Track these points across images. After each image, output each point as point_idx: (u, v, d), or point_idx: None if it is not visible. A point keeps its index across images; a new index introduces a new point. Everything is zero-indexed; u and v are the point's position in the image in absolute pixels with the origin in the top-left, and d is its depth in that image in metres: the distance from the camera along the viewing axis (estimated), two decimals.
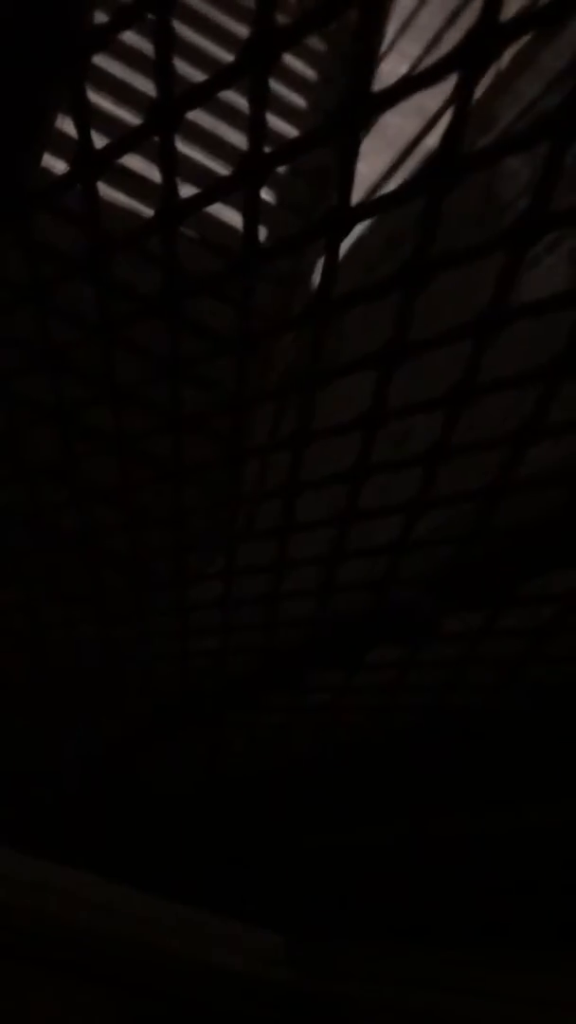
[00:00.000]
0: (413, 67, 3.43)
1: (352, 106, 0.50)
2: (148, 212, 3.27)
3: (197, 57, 3.27)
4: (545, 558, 0.91)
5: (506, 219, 2.22)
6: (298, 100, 3.55)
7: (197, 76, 3.34)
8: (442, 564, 1.05)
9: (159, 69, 0.55)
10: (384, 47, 3.66)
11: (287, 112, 3.42)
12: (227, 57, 3.35)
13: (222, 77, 0.57)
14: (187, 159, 3.27)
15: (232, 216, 3.54)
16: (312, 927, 2.31)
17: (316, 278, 3.57)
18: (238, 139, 3.46)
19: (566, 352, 0.62)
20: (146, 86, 3.23)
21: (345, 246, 3.43)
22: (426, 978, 1.95)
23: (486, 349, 0.62)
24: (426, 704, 1.52)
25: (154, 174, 3.30)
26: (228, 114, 3.28)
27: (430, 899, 1.92)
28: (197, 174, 3.32)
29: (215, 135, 3.35)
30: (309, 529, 0.97)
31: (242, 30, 3.31)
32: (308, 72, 3.56)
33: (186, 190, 3.60)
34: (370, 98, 0.51)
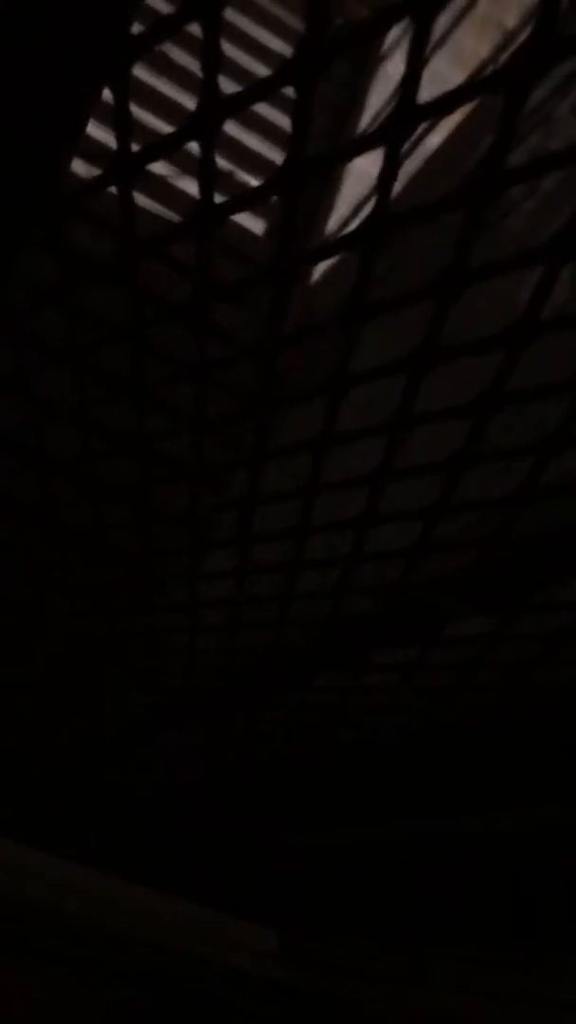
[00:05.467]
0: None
1: (400, 116, 0.51)
2: (151, 209, 3.27)
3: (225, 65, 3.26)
4: (561, 565, 0.92)
5: (510, 222, 2.22)
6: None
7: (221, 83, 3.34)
8: (454, 568, 1.06)
9: (205, 75, 0.56)
10: (387, 47, 3.67)
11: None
12: (247, 61, 3.35)
13: (264, 87, 0.58)
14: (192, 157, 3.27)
15: (239, 217, 3.54)
16: (307, 924, 2.32)
17: (314, 280, 3.57)
18: (241, 136, 3.45)
19: None
20: (166, 89, 3.23)
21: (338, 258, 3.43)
22: (419, 976, 1.96)
23: (518, 359, 0.63)
24: (428, 706, 1.53)
25: (157, 168, 3.30)
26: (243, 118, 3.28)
27: (426, 898, 1.93)
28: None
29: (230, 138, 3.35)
30: (324, 531, 0.97)
31: (268, 38, 3.30)
32: None
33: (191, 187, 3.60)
34: (417, 109, 0.51)
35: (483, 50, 3.38)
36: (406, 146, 3.30)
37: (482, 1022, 1.74)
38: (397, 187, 3.24)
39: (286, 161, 0.58)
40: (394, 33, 3.54)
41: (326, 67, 0.52)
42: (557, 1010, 1.58)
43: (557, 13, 0.45)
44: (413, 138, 3.37)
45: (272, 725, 1.78)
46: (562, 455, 1.30)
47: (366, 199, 3.39)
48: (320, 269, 3.56)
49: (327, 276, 3.52)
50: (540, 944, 1.69)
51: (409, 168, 3.35)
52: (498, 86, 0.46)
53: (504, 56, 3.18)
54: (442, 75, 3.42)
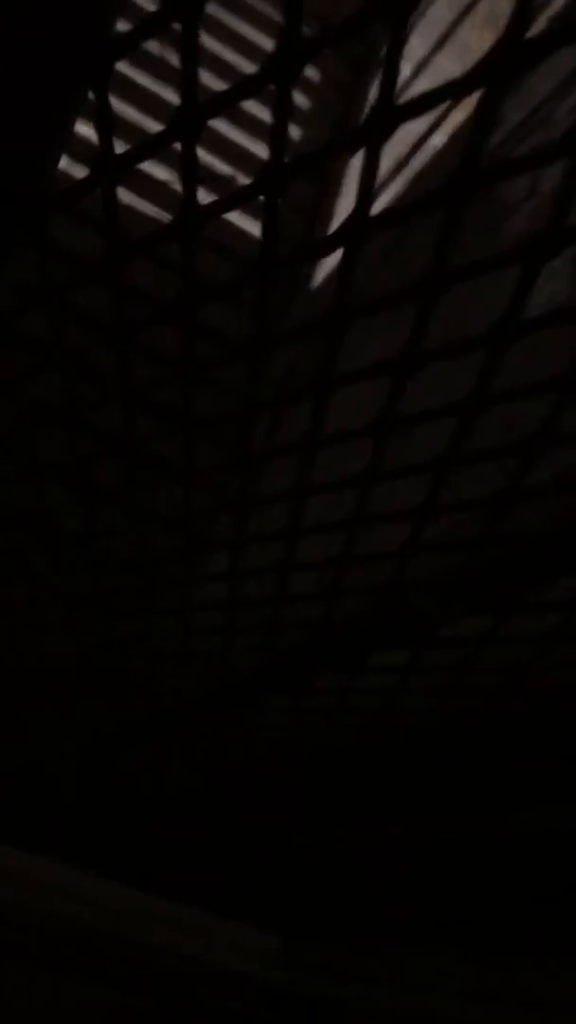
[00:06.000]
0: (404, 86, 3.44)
1: (378, 117, 0.51)
2: (149, 212, 3.28)
3: (210, 63, 3.28)
4: (550, 565, 0.91)
5: (510, 224, 2.22)
6: (301, 101, 3.56)
7: (209, 80, 3.35)
8: (447, 569, 1.06)
9: (184, 77, 0.56)
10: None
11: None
12: (239, 61, 3.36)
13: (245, 86, 0.58)
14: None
15: (231, 215, 3.55)
16: (309, 928, 2.31)
17: (314, 283, 3.58)
18: (245, 140, 3.46)
19: None
20: (155, 87, 3.24)
21: (339, 255, 3.45)
22: (423, 981, 1.96)
23: (502, 359, 0.63)
24: (426, 707, 1.53)
25: (158, 173, 3.30)
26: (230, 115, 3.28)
27: (428, 901, 1.93)
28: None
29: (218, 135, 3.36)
30: (317, 532, 0.97)
31: (256, 37, 3.31)
32: (311, 73, 3.56)
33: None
34: (395, 110, 0.51)
35: (486, 46, 3.39)
36: (407, 147, 3.30)
37: None
38: (399, 187, 3.25)
39: (267, 161, 0.58)
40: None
41: (305, 65, 0.52)
42: (556, 1012, 1.57)
43: (531, 11, 0.45)
44: (415, 139, 3.37)
45: (270, 728, 1.78)
46: (556, 453, 1.29)
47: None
48: (323, 270, 3.56)
49: (330, 279, 3.52)
50: (543, 947, 1.69)
51: (414, 166, 3.35)
52: (472, 85, 0.46)
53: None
54: (447, 72, 3.42)
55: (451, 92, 0.48)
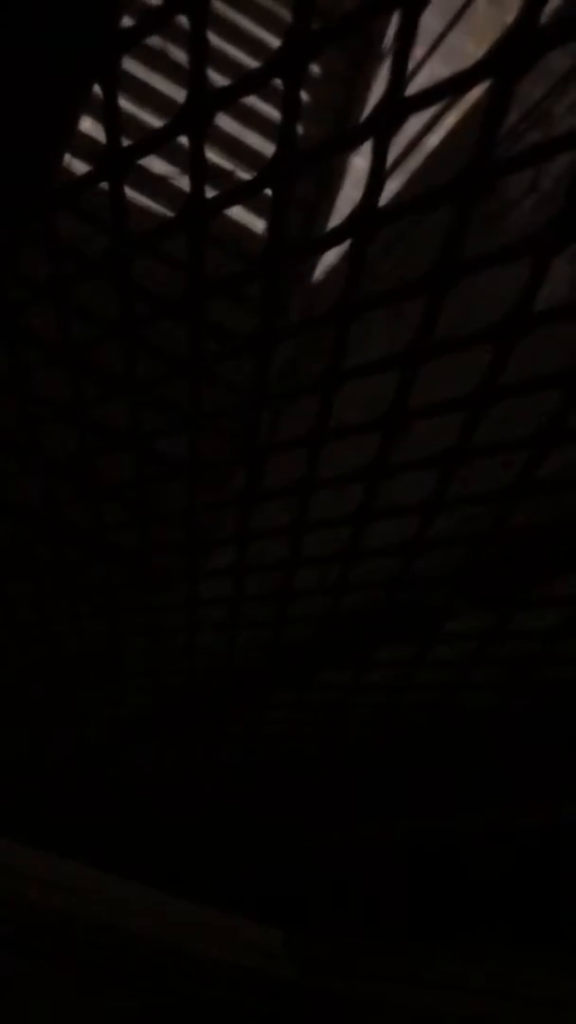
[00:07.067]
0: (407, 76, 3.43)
1: (388, 108, 0.51)
2: (144, 207, 3.27)
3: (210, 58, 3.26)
4: (559, 560, 0.91)
5: (512, 219, 2.22)
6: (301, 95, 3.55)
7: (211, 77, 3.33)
8: (453, 564, 1.06)
9: (192, 70, 0.55)
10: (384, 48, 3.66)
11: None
12: (238, 55, 3.35)
13: (253, 79, 0.58)
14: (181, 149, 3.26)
15: (233, 210, 3.54)
16: (313, 923, 2.32)
17: (316, 278, 3.57)
18: (247, 137, 3.45)
19: None
20: (156, 82, 3.23)
21: (340, 250, 3.44)
22: (425, 975, 1.96)
23: (510, 352, 0.62)
24: (430, 703, 1.53)
25: (157, 167, 3.30)
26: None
27: (430, 896, 1.93)
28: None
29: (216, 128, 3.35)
30: (323, 527, 0.97)
31: (258, 31, 3.30)
32: (311, 67, 3.55)
33: (182, 182, 3.60)
34: (406, 101, 0.51)
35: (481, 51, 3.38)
36: (405, 145, 3.30)
37: (486, 1020, 1.73)
38: (399, 185, 3.24)
39: (276, 152, 0.58)
40: (393, 33, 3.53)
41: (313, 57, 0.52)
42: (559, 1008, 1.58)
43: (543, 2, 0.45)
44: (413, 137, 3.37)
45: (274, 724, 1.78)
46: (562, 448, 1.29)
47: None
48: (322, 267, 3.56)
49: (330, 274, 3.51)
50: (545, 942, 1.69)
51: (410, 165, 3.35)
52: (484, 75, 0.46)
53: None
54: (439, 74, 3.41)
55: (467, 79, 0.48)
